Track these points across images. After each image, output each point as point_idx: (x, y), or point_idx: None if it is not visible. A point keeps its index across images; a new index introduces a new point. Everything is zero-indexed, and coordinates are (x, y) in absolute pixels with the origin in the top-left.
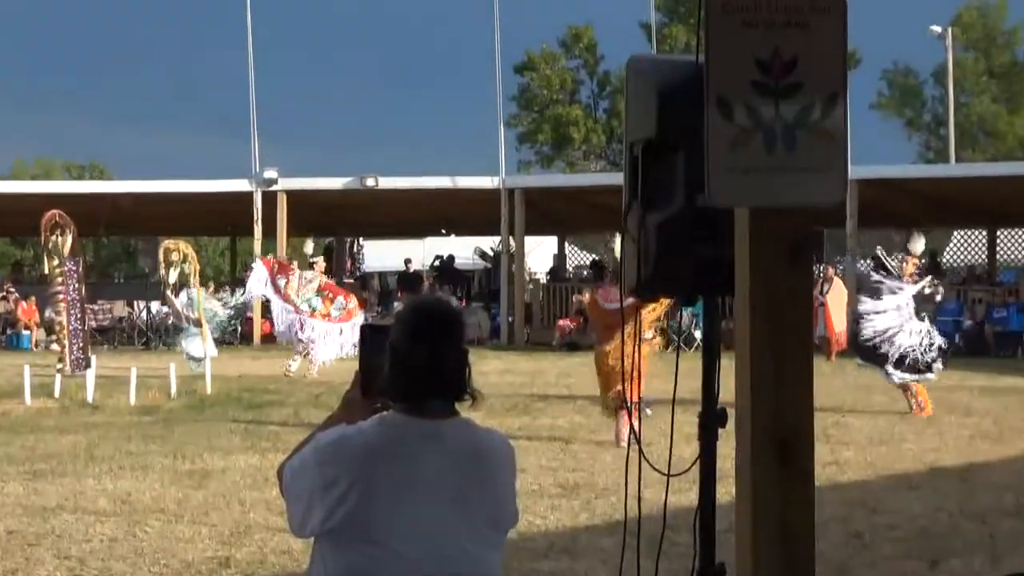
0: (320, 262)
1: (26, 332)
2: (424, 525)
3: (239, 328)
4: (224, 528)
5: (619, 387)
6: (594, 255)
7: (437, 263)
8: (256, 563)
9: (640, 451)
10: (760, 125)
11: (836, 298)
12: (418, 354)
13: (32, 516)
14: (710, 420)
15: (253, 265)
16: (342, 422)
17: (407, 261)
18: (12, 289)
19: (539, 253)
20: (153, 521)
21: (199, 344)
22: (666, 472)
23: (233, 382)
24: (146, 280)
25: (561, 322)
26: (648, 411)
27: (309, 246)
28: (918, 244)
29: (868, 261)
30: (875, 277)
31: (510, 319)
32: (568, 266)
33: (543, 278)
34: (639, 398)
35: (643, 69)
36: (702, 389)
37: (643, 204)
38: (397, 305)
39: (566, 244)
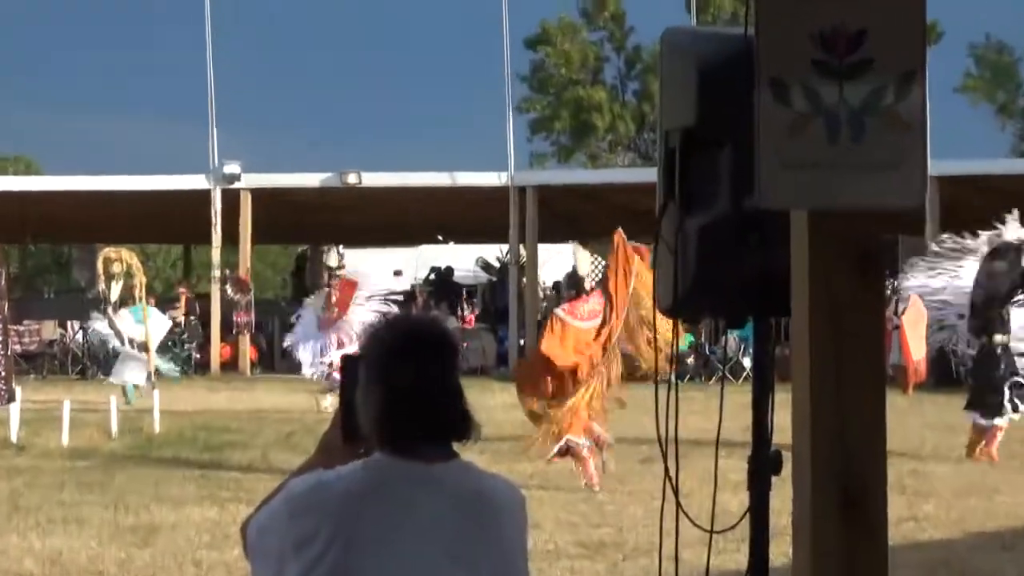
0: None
1: None
2: None
3: (192, 354)
4: None
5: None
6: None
7: (432, 276)
8: None
9: (677, 503)
10: (821, 111)
11: (914, 320)
12: (401, 383)
13: None
14: (762, 466)
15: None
16: (318, 468)
17: (396, 273)
18: None
19: (555, 264)
20: None
21: (139, 369)
22: (709, 528)
23: (186, 418)
24: (82, 296)
25: None
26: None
27: (333, 258)
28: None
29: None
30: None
31: (520, 343)
32: (590, 281)
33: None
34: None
35: (681, 44)
36: (752, 428)
37: (681, 206)
38: None
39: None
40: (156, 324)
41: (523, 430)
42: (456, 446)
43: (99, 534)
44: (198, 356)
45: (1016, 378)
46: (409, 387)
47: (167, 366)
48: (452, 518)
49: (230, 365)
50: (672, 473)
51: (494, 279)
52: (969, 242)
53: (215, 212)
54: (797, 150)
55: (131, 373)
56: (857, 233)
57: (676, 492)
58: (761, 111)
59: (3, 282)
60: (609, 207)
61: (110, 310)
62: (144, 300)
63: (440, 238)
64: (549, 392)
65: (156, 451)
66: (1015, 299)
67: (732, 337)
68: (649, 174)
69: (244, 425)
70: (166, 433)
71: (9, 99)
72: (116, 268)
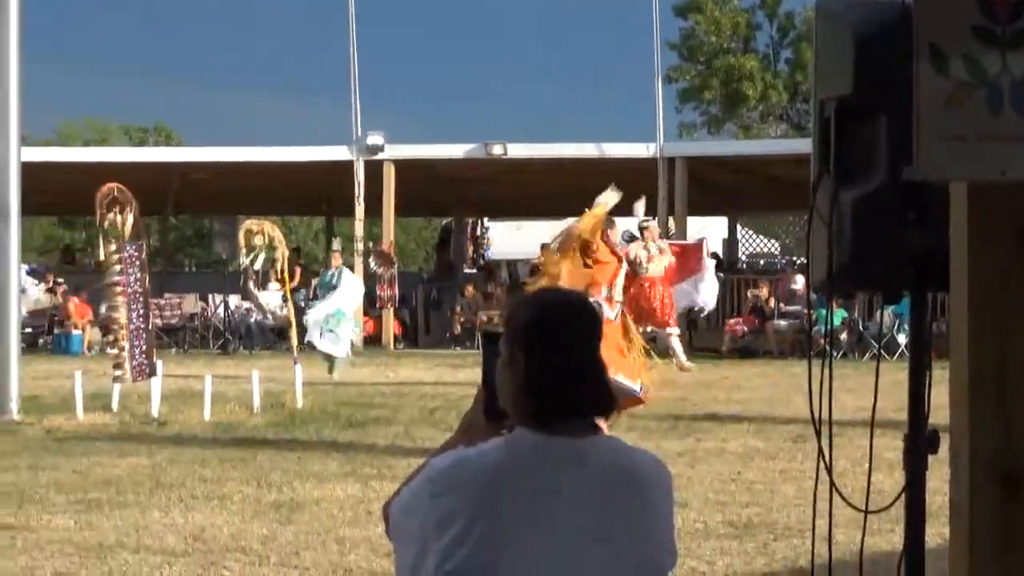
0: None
1: (77, 332)
2: (563, 569)
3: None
4: (318, 572)
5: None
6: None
7: None
8: None
9: (831, 482)
10: (983, 81)
11: None
12: (542, 358)
13: (86, 555)
14: (918, 444)
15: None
16: (460, 447)
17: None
18: (60, 280)
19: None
20: (232, 563)
21: (344, 343)
22: (863, 508)
23: (329, 394)
24: (223, 269)
25: (732, 322)
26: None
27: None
28: None
29: None
30: None
31: None
32: (741, 253)
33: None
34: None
35: (836, 11)
36: (908, 406)
37: (836, 177)
38: None
39: (738, 226)
40: (351, 289)
41: (674, 408)
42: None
43: (242, 510)
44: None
45: None
46: (551, 362)
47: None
48: (597, 494)
49: (373, 340)
50: (825, 452)
51: None
52: None
53: (358, 184)
54: (957, 121)
55: (339, 346)
56: (1018, 206)
57: (830, 471)
58: (919, 81)
59: (144, 255)
60: (761, 179)
61: (251, 283)
62: (287, 273)
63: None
64: None
65: (298, 427)
66: None
67: (887, 313)
68: (802, 145)
69: (387, 401)
70: (309, 409)
71: (150, 71)
72: (258, 241)
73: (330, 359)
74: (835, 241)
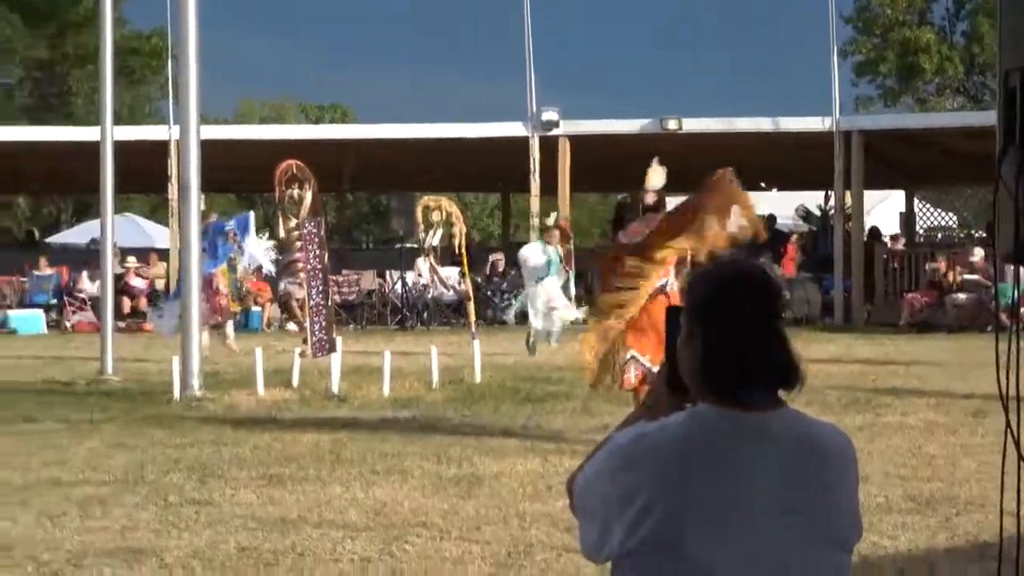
0: None
1: (256, 309)
2: (750, 545)
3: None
4: (499, 547)
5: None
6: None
7: None
8: None
9: (1019, 456)
10: None
11: None
12: (725, 331)
13: (268, 530)
14: None
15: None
16: (642, 421)
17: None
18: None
19: (881, 211)
20: (414, 537)
21: (559, 321)
22: None
23: (507, 370)
24: (400, 245)
25: (910, 296)
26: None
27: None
28: None
29: None
30: None
31: (845, 293)
32: (918, 227)
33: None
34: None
35: None
36: None
37: (1022, 148)
38: None
39: (915, 200)
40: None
41: (852, 381)
42: (783, 395)
43: (422, 485)
44: None
45: None
46: (733, 334)
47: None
48: (783, 468)
49: None
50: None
51: (814, 228)
52: None
53: (533, 159)
54: None
55: (556, 323)
56: None
57: (1018, 444)
58: None
59: (323, 232)
60: (938, 152)
61: (430, 259)
62: (465, 249)
63: (762, 185)
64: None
65: (477, 403)
66: None
67: None
68: (980, 117)
69: (566, 376)
70: (487, 384)
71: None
72: (435, 217)
73: (551, 334)
74: (1022, 213)
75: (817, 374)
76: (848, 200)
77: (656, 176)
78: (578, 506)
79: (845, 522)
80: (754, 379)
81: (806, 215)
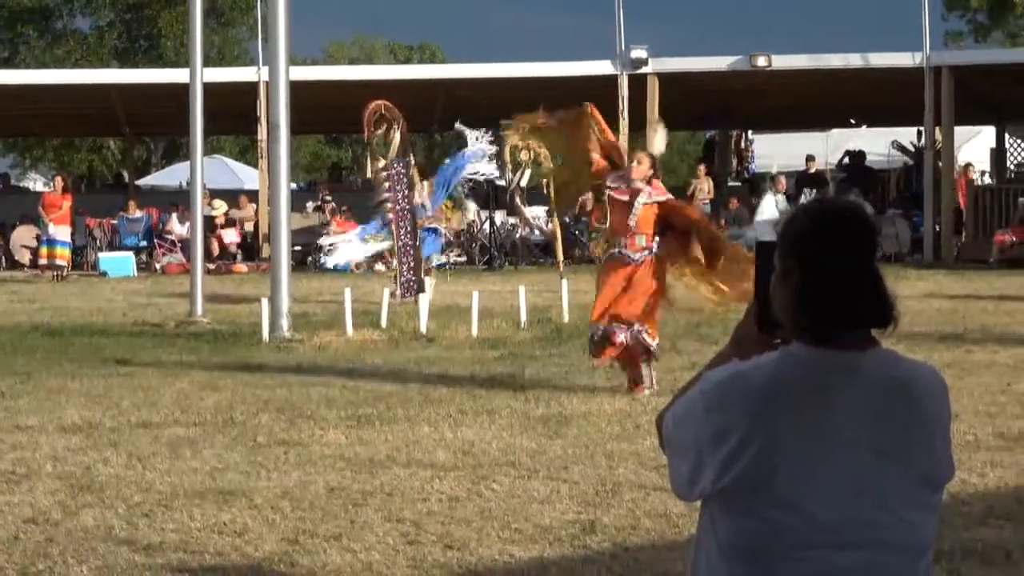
0: None
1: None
2: (842, 483)
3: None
4: (587, 486)
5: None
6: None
7: (845, 160)
8: (627, 528)
9: None
10: None
11: None
12: (819, 269)
13: (357, 470)
14: None
15: None
16: (733, 359)
17: (809, 159)
18: (329, 197)
19: (972, 147)
20: (502, 477)
21: None
22: None
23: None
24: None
25: (1000, 233)
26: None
27: None
28: None
29: None
30: None
31: (936, 229)
32: (1009, 163)
33: (977, 178)
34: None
35: None
36: None
37: None
38: None
39: (1006, 136)
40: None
41: (941, 318)
42: (876, 334)
43: (510, 424)
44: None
45: None
46: (827, 272)
47: None
48: (876, 408)
49: None
50: None
51: (909, 163)
52: None
53: (622, 98)
54: None
55: None
56: None
57: None
58: None
59: (412, 172)
60: None
61: (517, 199)
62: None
63: (852, 121)
64: None
65: (565, 342)
66: None
67: None
68: None
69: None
70: (575, 323)
71: None
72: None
73: None
74: None
75: (906, 312)
76: (939, 136)
77: (660, 140)
78: (669, 444)
79: (937, 460)
80: (850, 318)
81: (900, 148)
